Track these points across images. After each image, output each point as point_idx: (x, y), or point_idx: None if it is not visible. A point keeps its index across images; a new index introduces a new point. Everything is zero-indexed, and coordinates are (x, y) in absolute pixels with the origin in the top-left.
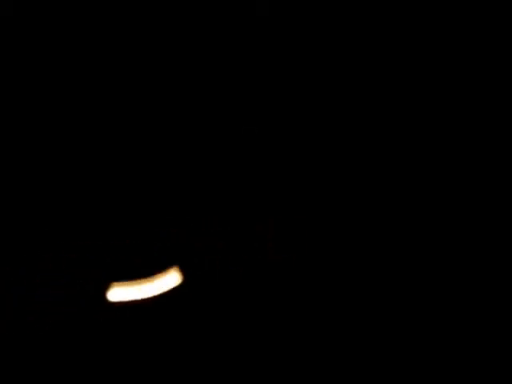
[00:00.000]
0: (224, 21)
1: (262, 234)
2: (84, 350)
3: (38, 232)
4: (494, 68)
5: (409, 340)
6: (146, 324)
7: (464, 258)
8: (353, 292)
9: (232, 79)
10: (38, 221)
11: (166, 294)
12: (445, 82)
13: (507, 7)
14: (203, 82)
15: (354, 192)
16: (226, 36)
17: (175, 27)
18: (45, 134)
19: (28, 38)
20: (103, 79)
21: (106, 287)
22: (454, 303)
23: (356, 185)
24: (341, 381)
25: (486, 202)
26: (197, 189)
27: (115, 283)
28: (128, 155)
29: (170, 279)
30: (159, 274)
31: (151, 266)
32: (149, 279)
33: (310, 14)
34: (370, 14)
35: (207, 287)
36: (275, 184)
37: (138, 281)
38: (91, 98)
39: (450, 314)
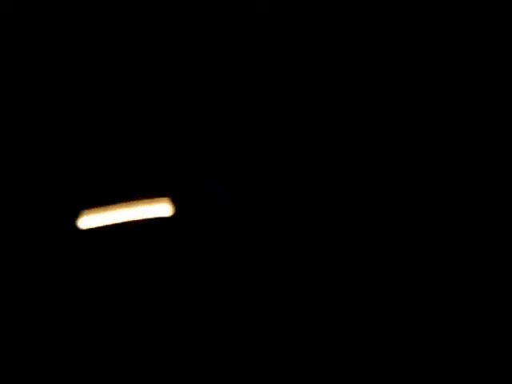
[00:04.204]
0: (224, 20)
1: (261, 233)
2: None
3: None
4: (493, 69)
5: (407, 339)
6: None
7: (463, 258)
8: (352, 291)
9: (232, 79)
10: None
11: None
12: (444, 82)
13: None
14: (203, 81)
15: (352, 192)
16: (226, 35)
17: (176, 27)
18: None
19: (28, 38)
20: (102, 79)
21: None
22: (451, 301)
23: (355, 185)
24: (339, 379)
25: (485, 202)
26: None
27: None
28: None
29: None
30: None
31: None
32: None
33: (310, 14)
34: (368, 15)
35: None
36: (275, 183)
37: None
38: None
39: (447, 312)
